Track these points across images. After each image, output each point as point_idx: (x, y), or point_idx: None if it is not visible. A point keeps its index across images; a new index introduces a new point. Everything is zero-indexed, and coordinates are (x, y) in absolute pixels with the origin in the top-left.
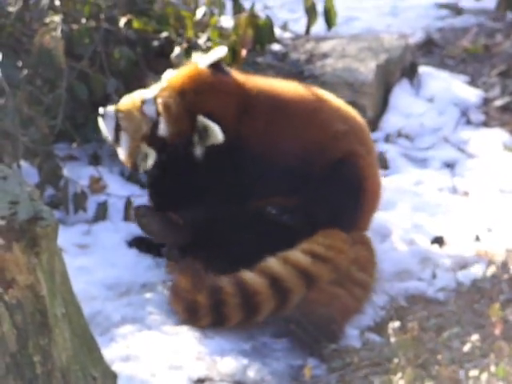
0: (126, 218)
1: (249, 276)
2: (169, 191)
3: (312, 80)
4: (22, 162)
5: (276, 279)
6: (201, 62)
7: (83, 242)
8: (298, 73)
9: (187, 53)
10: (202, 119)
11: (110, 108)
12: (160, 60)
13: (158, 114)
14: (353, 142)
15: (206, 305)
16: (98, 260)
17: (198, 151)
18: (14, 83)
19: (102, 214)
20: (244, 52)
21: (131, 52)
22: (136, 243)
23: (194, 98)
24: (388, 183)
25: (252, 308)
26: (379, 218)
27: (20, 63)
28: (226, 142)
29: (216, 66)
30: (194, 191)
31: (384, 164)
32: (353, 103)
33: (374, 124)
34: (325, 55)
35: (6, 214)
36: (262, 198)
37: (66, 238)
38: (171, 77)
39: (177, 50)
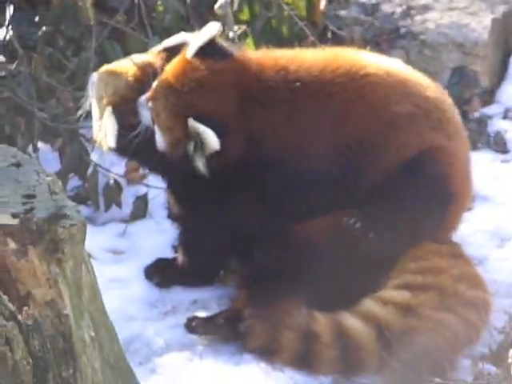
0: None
1: (353, 323)
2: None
3: (410, 39)
4: (40, 144)
5: (382, 327)
6: (188, 48)
7: (118, 247)
8: (391, 30)
9: (249, 4)
10: (193, 123)
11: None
12: (215, 14)
13: (153, 122)
14: (424, 129)
15: (293, 349)
16: (137, 270)
17: (200, 164)
18: (30, 44)
19: (141, 210)
20: (323, 3)
21: (178, 3)
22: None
23: (179, 99)
24: (508, 171)
25: (352, 364)
26: (495, 215)
27: (37, 18)
28: (232, 147)
29: (210, 49)
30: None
31: (502, 147)
32: (462, 69)
33: (489, 96)
34: (426, 7)
35: (20, 210)
36: (300, 218)
37: (95, 241)
38: (168, 66)
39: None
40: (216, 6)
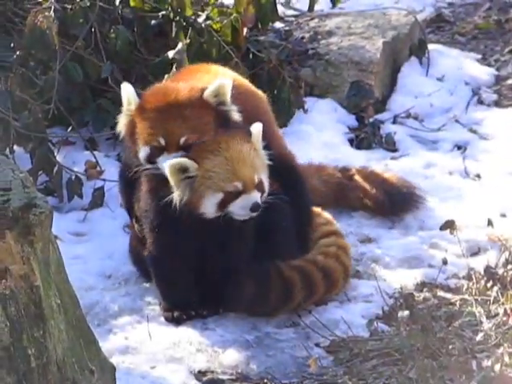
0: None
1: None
2: None
3: (316, 59)
4: (15, 148)
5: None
6: None
7: (79, 230)
8: (301, 52)
9: (185, 32)
10: None
11: None
12: (158, 40)
13: None
14: None
15: (299, 282)
16: (95, 248)
17: None
18: (6, 65)
19: (98, 200)
20: (245, 30)
21: (127, 32)
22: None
23: None
24: (396, 166)
25: (331, 283)
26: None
27: (12, 44)
28: None
29: None
30: None
31: (392, 146)
32: (359, 83)
33: (381, 104)
34: (330, 33)
35: None
36: None
37: (61, 225)
38: None
39: (179, 45)
40: (174, 52)
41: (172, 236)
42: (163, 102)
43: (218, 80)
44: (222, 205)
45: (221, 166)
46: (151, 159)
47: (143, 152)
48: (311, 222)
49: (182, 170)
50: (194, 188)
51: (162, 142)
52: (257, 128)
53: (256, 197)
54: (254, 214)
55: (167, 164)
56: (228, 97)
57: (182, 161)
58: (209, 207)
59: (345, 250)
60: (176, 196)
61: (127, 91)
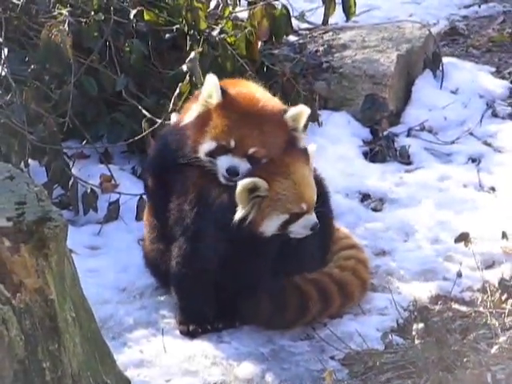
0: (139, 217)
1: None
2: None
3: (331, 72)
4: (30, 161)
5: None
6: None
7: (94, 244)
8: (316, 65)
9: (200, 46)
10: None
11: None
12: (173, 53)
13: None
14: None
15: (315, 296)
16: (110, 262)
17: None
18: (21, 79)
19: (113, 213)
20: (259, 43)
21: (142, 45)
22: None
23: None
24: (411, 179)
25: (347, 296)
26: (402, 215)
27: (27, 58)
28: None
29: None
30: None
31: (406, 159)
32: (373, 96)
33: (395, 117)
34: (344, 46)
35: (13, 215)
36: None
37: (75, 239)
38: None
39: (192, 54)
40: (186, 60)
41: (207, 248)
42: (248, 108)
43: (299, 106)
44: (285, 225)
45: (289, 189)
46: (212, 155)
47: (208, 145)
48: (333, 235)
49: (253, 189)
50: (261, 208)
51: (232, 143)
52: (313, 148)
53: (315, 216)
54: (310, 233)
55: (241, 183)
56: (302, 124)
57: (256, 181)
58: (271, 227)
59: (364, 263)
60: (240, 213)
61: (213, 84)
